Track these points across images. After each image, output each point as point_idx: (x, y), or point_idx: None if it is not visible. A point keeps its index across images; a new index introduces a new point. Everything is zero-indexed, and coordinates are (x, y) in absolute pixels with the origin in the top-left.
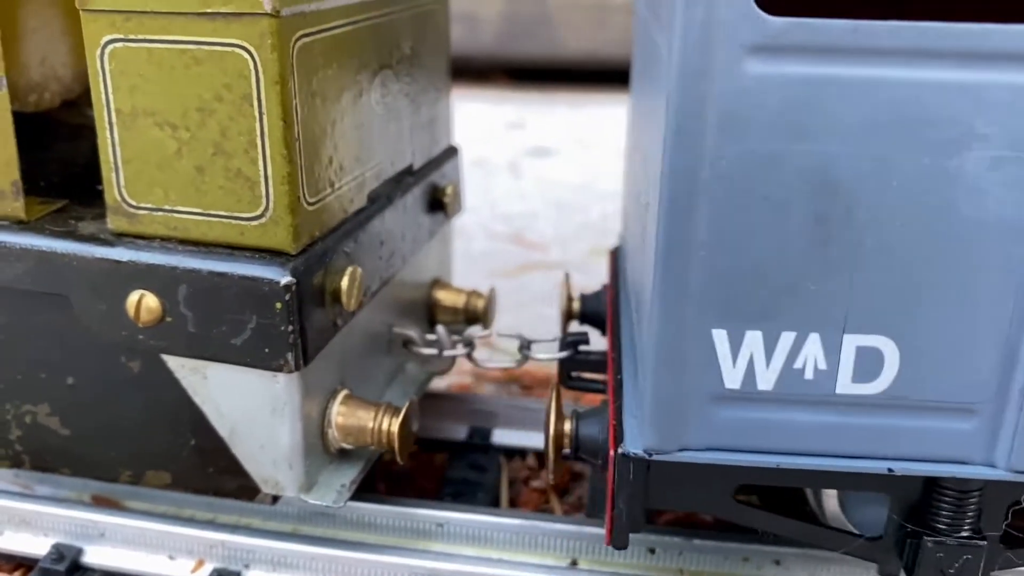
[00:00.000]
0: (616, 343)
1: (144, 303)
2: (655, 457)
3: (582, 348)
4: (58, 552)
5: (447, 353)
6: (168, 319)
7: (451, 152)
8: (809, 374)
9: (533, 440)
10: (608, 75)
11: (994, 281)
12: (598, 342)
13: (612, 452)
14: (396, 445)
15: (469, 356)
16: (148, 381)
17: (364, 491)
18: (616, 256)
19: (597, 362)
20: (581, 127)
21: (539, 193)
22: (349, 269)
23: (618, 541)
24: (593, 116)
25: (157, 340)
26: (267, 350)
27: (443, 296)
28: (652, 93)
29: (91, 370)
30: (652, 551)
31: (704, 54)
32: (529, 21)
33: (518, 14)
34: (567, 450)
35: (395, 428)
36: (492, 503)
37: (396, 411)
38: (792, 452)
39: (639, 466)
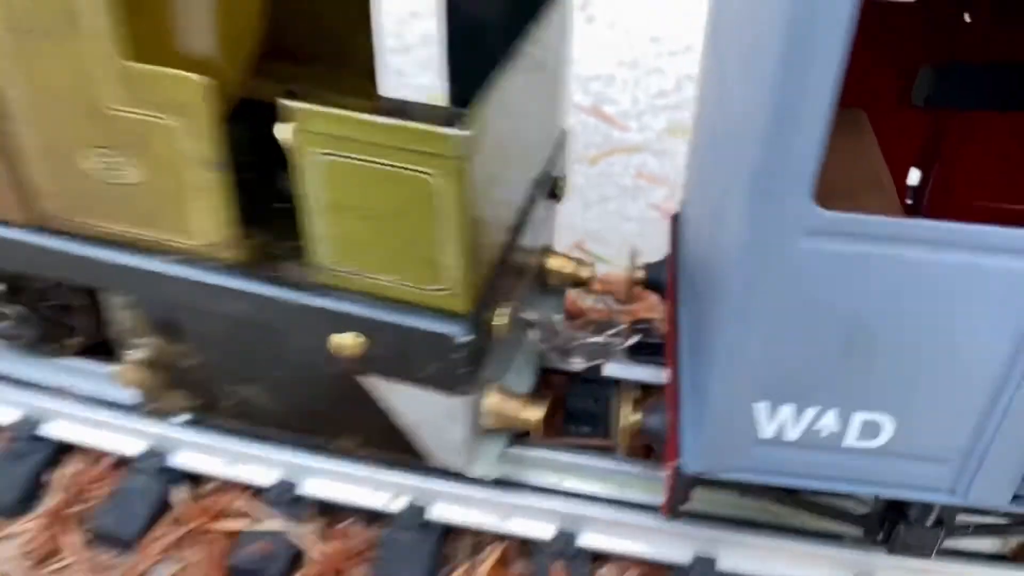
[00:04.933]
0: (674, 327)
1: (345, 342)
2: (704, 475)
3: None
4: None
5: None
6: (365, 354)
7: (562, 137)
8: (824, 433)
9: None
10: None
11: (974, 382)
12: None
13: (672, 463)
14: (537, 430)
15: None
16: (344, 385)
17: None
18: (677, 223)
19: (660, 345)
20: None
21: (614, 47)
22: (507, 309)
23: (674, 514)
24: None
25: (354, 366)
26: (447, 382)
27: (553, 263)
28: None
29: (295, 371)
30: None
31: (770, 234)
32: None
33: None
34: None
35: (537, 417)
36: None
37: (537, 402)
38: (808, 477)
39: (691, 478)
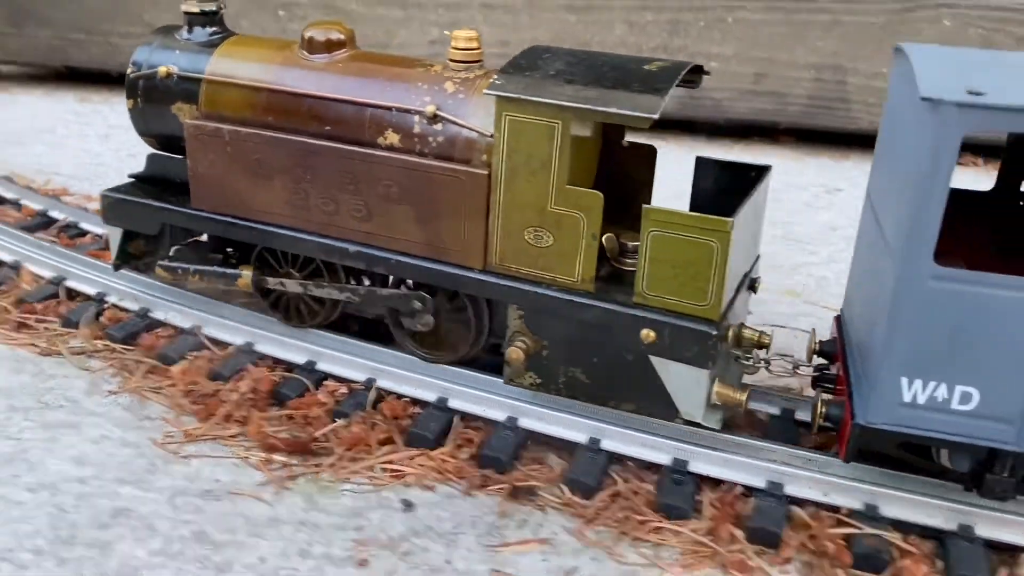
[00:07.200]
0: (844, 367)
1: (648, 335)
2: (866, 425)
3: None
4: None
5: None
6: (657, 342)
7: (758, 258)
8: (939, 399)
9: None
10: None
11: None
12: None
13: (849, 421)
14: (743, 408)
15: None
16: (636, 365)
17: None
18: (840, 319)
19: (833, 377)
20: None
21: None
22: (731, 326)
23: (849, 458)
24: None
25: (650, 350)
26: (702, 360)
27: (745, 333)
28: (887, 220)
29: (607, 357)
30: None
31: (910, 277)
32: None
33: None
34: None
35: (743, 399)
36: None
37: (745, 391)
38: (929, 430)
39: (856, 427)
